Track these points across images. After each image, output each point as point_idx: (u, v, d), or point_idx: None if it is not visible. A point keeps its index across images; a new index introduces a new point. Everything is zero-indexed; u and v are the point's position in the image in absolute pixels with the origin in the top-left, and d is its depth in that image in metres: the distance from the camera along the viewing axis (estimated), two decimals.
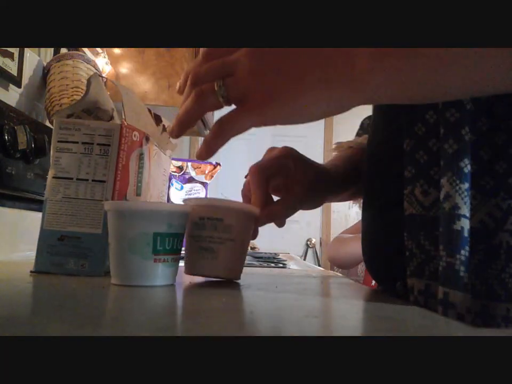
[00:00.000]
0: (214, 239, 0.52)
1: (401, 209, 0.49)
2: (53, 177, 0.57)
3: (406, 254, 0.48)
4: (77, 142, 0.57)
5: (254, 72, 0.38)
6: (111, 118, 0.64)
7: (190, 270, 0.54)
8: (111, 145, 0.56)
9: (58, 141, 0.57)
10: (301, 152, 0.61)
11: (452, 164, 0.44)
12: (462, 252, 0.43)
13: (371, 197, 0.59)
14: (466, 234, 0.43)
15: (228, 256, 0.53)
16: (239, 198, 0.60)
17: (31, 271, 0.55)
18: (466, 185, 0.43)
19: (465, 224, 0.43)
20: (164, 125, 0.68)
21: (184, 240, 0.54)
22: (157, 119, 0.66)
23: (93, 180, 0.56)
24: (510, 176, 0.43)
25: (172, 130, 0.44)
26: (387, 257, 0.54)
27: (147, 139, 0.61)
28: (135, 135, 0.58)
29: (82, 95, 0.62)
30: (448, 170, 0.44)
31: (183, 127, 0.43)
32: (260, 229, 0.58)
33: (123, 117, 0.59)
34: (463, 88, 0.38)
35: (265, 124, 0.40)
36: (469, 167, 0.44)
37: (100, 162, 0.56)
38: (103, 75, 1.22)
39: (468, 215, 0.43)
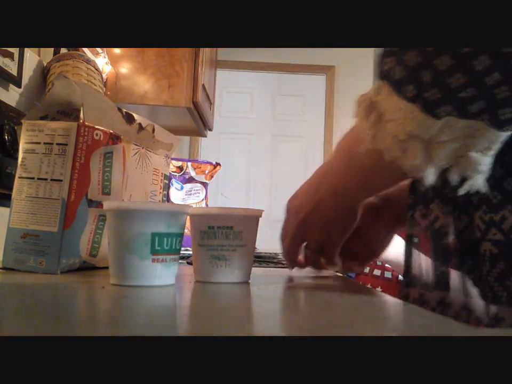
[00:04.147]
0: (226, 247, 0.53)
1: None
2: (18, 177, 0.58)
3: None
4: (40, 143, 0.57)
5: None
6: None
7: (202, 278, 0.54)
8: (68, 144, 0.56)
9: (25, 142, 0.58)
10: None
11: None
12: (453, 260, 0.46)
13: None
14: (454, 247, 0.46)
15: (240, 261, 0.54)
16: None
17: None
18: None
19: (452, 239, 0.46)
20: (140, 124, 0.66)
21: (192, 248, 0.55)
22: (130, 118, 0.64)
23: (51, 179, 0.56)
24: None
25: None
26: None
27: (116, 138, 0.61)
28: (97, 134, 0.58)
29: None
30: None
31: None
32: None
33: (81, 116, 0.59)
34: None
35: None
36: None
37: (58, 161, 0.56)
38: (103, 75, 1.21)
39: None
